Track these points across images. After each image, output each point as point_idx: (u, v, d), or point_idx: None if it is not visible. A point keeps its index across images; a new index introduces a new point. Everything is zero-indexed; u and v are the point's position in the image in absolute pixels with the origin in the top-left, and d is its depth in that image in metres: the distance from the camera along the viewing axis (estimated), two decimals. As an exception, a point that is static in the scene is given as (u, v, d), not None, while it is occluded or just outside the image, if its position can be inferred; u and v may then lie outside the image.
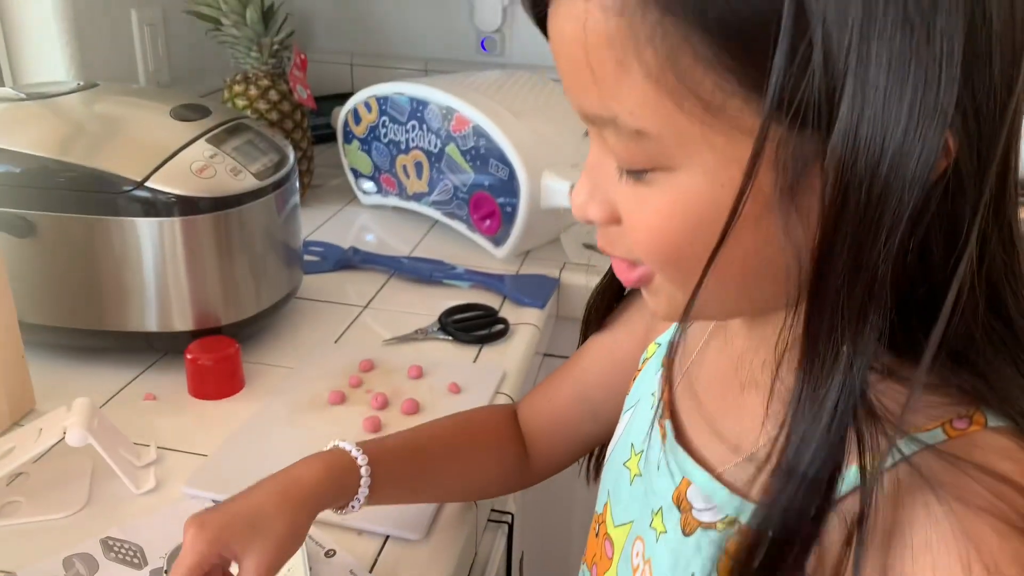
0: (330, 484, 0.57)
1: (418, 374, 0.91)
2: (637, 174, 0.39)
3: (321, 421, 0.82)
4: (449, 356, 0.97)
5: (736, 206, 0.36)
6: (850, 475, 0.38)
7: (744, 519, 0.43)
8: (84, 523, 0.68)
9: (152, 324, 0.87)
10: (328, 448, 0.61)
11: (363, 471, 0.59)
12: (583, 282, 1.17)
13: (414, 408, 0.84)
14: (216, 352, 0.85)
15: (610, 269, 0.68)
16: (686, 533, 0.46)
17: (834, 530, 0.38)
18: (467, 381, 0.90)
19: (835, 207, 0.34)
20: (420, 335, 1.00)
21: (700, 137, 0.36)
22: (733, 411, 0.48)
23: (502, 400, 0.89)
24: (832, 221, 0.34)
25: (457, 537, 0.70)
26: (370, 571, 0.65)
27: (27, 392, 0.80)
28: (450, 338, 1.00)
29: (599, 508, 0.59)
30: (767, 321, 0.45)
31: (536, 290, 1.11)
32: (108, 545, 0.66)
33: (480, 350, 0.98)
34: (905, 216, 0.33)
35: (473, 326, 1.01)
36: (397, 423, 0.82)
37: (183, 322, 0.88)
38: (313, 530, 0.67)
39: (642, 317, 0.65)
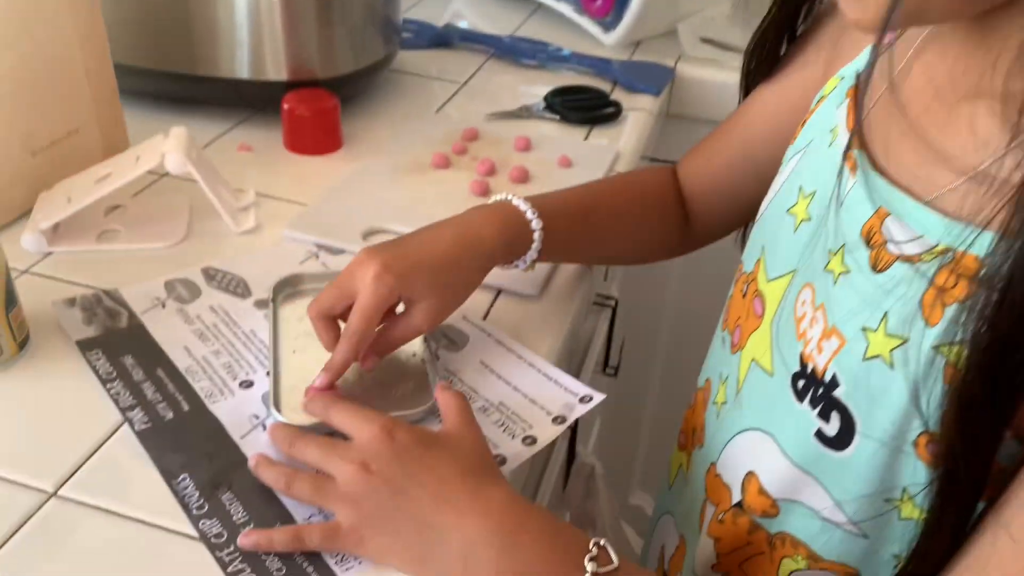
0: (505, 244, 0.55)
1: (526, 146, 0.84)
2: None
3: (424, 182, 0.77)
4: (557, 134, 0.89)
5: None
6: None
7: (965, 247, 0.36)
8: (183, 254, 0.65)
9: (244, 71, 0.81)
10: (493, 201, 0.58)
11: (536, 235, 0.57)
12: (701, 76, 1.07)
13: (523, 176, 0.78)
14: (314, 104, 0.79)
15: (775, 5, 0.59)
16: (877, 270, 0.40)
17: None
18: (578, 156, 0.83)
19: None
20: (525, 112, 0.92)
21: None
22: (950, 128, 0.40)
23: (615, 178, 0.82)
24: None
25: (570, 300, 0.65)
26: (483, 319, 0.61)
27: (120, 130, 0.76)
28: (557, 117, 0.92)
29: (748, 267, 0.53)
30: (997, 16, 0.37)
31: (650, 76, 1.01)
32: (210, 274, 0.62)
33: (590, 131, 0.91)
34: None
35: (582, 106, 0.93)
36: (505, 189, 0.76)
37: (277, 71, 0.82)
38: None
39: (818, 53, 0.56)
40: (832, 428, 0.41)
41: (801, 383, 0.43)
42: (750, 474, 0.47)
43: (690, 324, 1.23)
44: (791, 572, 0.46)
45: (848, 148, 0.44)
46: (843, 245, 0.42)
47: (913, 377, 0.36)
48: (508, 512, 0.41)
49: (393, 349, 0.53)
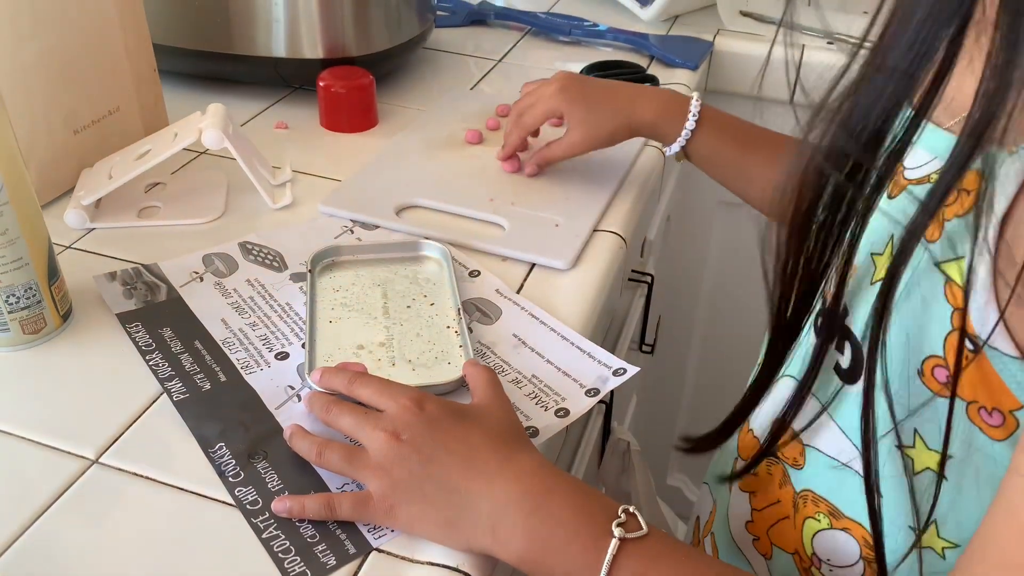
0: (653, 124, 0.67)
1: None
2: None
3: (458, 157, 0.77)
4: (592, 110, 0.88)
5: None
6: None
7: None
8: (221, 230, 0.66)
9: (281, 49, 0.82)
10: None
11: (689, 123, 0.66)
12: (741, 50, 1.05)
13: (558, 151, 0.77)
14: (349, 81, 0.80)
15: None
16: (891, 196, 0.41)
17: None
18: (614, 131, 0.82)
19: None
20: (560, 88, 0.91)
21: None
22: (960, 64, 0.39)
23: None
24: None
25: (604, 275, 0.64)
26: (516, 292, 0.60)
27: (160, 109, 0.77)
28: (593, 93, 0.91)
29: None
30: None
31: (688, 51, 0.99)
32: (247, 248, 0.63)
33: (626, 106, 0.89)
34: None
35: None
36: (539, 164, 0.76)
37: (312, 49, 0.82)
38: (457, 253, 0.63)
39: None
40: (845, 360, 0.41)
41: (820, 319, 0.43)
42: (779, 419, 0.46)
43: (728, 302, 1.21)
44: (815, 533, 0.45)
45: None
46: None
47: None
48: (537, 477, 0.41)
49: (552, 162, 0.72)
